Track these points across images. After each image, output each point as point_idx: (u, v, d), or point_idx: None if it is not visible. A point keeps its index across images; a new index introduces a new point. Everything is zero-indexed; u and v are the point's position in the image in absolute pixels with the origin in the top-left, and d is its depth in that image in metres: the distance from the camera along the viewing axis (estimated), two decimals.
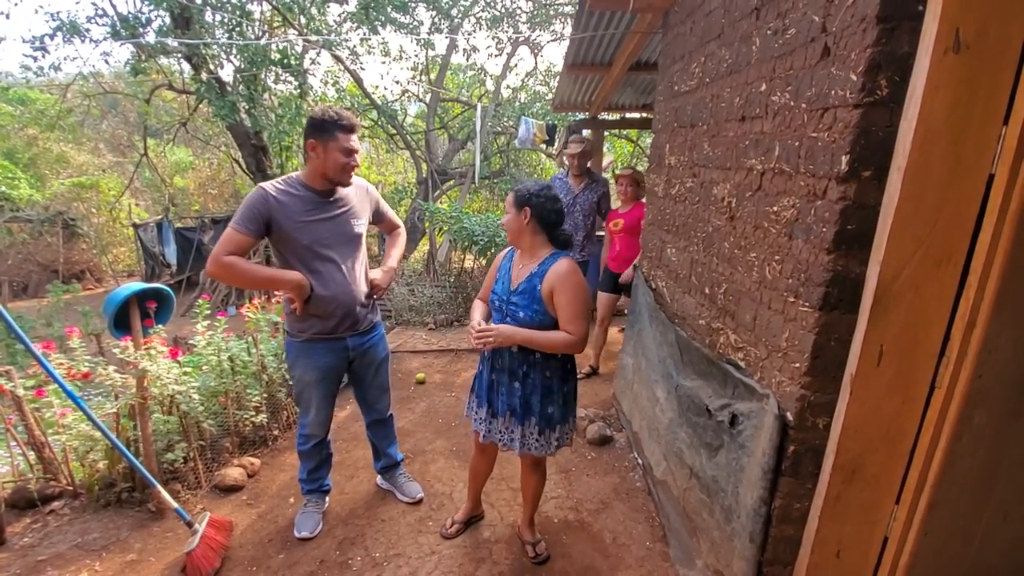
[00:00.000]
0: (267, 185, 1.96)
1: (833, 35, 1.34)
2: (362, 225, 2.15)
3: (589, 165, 4.00)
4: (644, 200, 3.50)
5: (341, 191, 2.06)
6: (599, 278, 4.00)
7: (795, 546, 1.59)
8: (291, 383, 2.28)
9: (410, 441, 3.11)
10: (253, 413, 2.88)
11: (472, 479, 2.31)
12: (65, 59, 7.54)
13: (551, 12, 9.44)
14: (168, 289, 2.37)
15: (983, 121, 1.17)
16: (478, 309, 2.03)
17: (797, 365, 1.47)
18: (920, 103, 1.15)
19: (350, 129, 1.94)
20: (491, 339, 1.80)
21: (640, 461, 2.80)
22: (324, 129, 1.91)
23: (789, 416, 1.50)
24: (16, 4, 7.37)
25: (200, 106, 8.92)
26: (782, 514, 1.56)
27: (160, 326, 2.41)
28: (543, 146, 7.27)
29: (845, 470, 1.42)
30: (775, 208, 1.60)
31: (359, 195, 2.15)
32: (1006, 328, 1.25)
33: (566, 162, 4.03)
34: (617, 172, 3.64)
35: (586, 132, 6.43)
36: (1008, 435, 1.36)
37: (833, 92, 1.33)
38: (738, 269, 1.85)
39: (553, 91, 8.17)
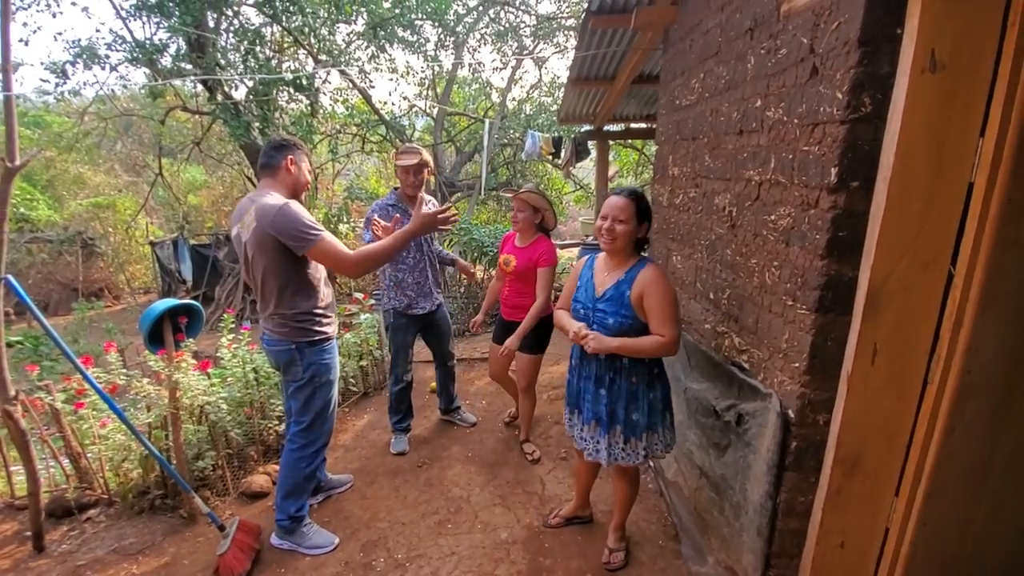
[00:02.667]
0: (286, 198, 2.05)
1: (820, 56, 1.44)
2: None
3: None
4: (548, 235, 2.80)
5: None
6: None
7: (800, 538, 1.66)
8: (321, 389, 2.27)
9: (427, 448, 3.20)
10: (277, 422, 3.00)
11: (576, 481, 2.44)
12: (84, 84, 7.82)
13: (554, 25, 9.63)
14: (198, 305, 2.49)
15: (961, 134, 1.26)
16: (566, 316, 2.00)
17: (797, 365, 1.55)
18: (901, 119, 1.25)
19: None
20: (590, 343, 1.80)
21: (651, 464, 2.87)
22: (300, 148, 2.16)
23: (791, 413, 1.58)
24: (35, 32, 7.67)
25: (213, 125, 9.17)
26: (787, 508, 1.64)
27: (191, 339, 2.53)
28: (549, 158, 7.40)
29: (845, 464, 1.49)
30: (772, 217, 1.69)
31: None
32: (992, 326, 1.33)
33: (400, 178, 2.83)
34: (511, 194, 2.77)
35: (591, 143, 6.56)
36: (1000, 428, 1.43)
37: (822, 109, 1.42)
38: (740, 275, 1.94)
39: (558, 102, 8.31)
